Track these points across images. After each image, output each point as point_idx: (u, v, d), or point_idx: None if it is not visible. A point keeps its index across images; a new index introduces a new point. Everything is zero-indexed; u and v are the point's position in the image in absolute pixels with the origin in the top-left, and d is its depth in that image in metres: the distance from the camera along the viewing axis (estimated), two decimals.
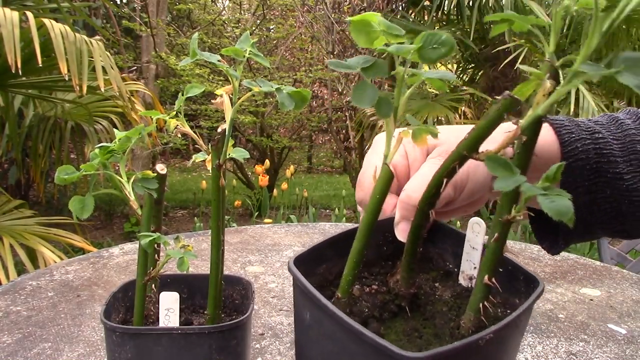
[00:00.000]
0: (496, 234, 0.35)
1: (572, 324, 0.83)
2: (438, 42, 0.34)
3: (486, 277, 0.35)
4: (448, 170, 0.36)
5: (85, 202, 0.48)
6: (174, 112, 0.51)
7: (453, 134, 0.50)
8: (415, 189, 0.47)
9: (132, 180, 0.51)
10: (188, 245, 0.53)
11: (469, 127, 0.36)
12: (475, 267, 0.43)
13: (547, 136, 0.56)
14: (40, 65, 2.14)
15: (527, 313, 0.36)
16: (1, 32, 2.00)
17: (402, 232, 0.47)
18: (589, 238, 0.61)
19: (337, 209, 4.53)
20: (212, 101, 0.50)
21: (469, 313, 0.37)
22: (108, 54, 2.43)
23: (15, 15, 2.08)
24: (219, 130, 0.48)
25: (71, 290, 0.92)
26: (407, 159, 0.53)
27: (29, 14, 2.13)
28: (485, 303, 0.36)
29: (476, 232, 0.42)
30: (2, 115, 2.94)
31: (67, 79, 2.15)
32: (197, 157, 0.51)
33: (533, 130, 0.33)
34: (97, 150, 0.50)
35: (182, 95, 0.50)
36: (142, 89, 3.16)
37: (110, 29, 5.10)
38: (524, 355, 0.72)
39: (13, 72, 1.98)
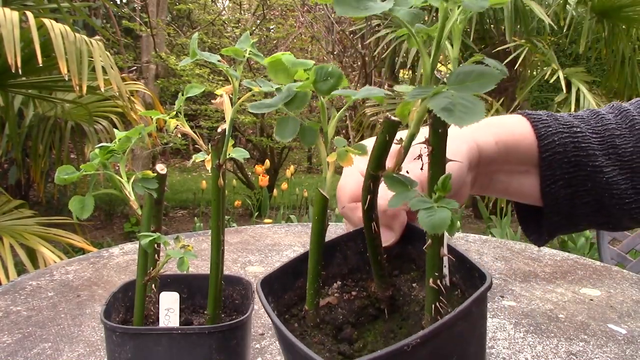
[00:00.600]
0: (429, 241, 0.37)
1: (572, 324, 0.83)
2: (327, 74, 0.37)
3: (430, 280, 0.37)
4: (367, 188, 0.39)
5: (85, 202, 0.48)
6: (174, 112, 0.51)
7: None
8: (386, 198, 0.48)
9: (132, 180, 0.51)
10: (188, 245, 0.53)
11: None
12: (445, 266, 0.45)
13: (524, 130, 0.56)
14: (40, 65, 2.13)
15: (469, 315, 0.37)
16: (1, 32, 2.00)
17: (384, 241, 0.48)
18: (574, 230, 0.61)
19: (337, 209, 4.52)
20: (212, 101, 0.50)
21: (426, 315, 0.39)
22: (108, 54, 2.43)
23: (15, 15, 2.08)
24: (219, 130, 0.48)
25: (71, 290, 0.92)
26: None
27: (29, 14, 2.13)
28: (438, 304, 0.38)
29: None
30: (2, 115, 2.94)
31: (67, 79, 2.15)
32: (197, 157, 0.51)
33: (437, 142, 0.35)
34: (97, 150, 0.50)
35: (182, 95, 0.50)
36: (142, 89, 3.16)
37: (110, 29, 5.10)
38: (524, 355, 0.72)
39: (13, 72, 1.98)
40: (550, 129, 0.56)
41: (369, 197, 0.40)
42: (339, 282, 0.48)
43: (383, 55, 4.46)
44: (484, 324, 0.42)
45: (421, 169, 0.36)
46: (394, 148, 0.38)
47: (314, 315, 0.44)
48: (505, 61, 3.74)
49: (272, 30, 6.09)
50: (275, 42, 5.94)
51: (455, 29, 0.34)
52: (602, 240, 1.61)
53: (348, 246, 0.50)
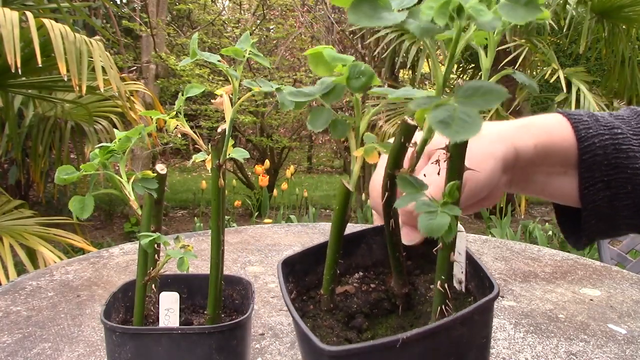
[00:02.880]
0: (440, 243, 0.38)
1: (572, 324, 0.83)
2: (359, 72, 0.38)
3: (439, 283, 0.38)
4: (385, 186, 0.40)
5: (85, 202, 0.48)
6: (174, 112, 0.51)
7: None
8: None
9: (132, 180, 0.51)
10: (188, 245, 0.53)
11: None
12: (463, 272, 0.46)
13: (564, 132, 0.56)
14: (40, 65, 2.13)
15: (470, 321, 0.38)
16: (1, 32, 2.00)
17: (404, 236, 0.48)
18: (613, 234, 0.60)
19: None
20: (212, 101, 0.50)
21: (432, 316, 0.40)
22: (108, 54, 2.43)
23: (15, 15, 2.08)
24: (219, 130, 0.48)
25: (71, 290, 0.92)
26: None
27: (29, 14, 2.13)
28: (444, 307, 0.39)
29: (459, 238, 0.44)
30: (2, 115, 2.94)
31: (66, 79, 2.16)
32: (197, 157, 0.51)
33: (456, 149, 0.36)
34: (97, 150, 0.50)
35: (182, 95, 0.50)
36: (142, 89, 3.16)
37: (110, 29, 5.10)
38: (524, 355, 0.72)
39: (13, 72, 1.98)
40: (591, 130, 0.55)
41: (387, 194, 0.41)
42: (361, 273, 0.50)
43: (383, 55, 4.46)
44: (489, 333, 0.42)
45: (438, 173, 0.37)
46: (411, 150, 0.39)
47: (328, 300, 0.45)
48: (505, 61, 3.74)
49: (272, 30, 6.09)
50: (275, 42, 5.94)
51: (490, 40, 0.35)
52: (602, 240, 1.60)
53: (374, 239, 0.51)
